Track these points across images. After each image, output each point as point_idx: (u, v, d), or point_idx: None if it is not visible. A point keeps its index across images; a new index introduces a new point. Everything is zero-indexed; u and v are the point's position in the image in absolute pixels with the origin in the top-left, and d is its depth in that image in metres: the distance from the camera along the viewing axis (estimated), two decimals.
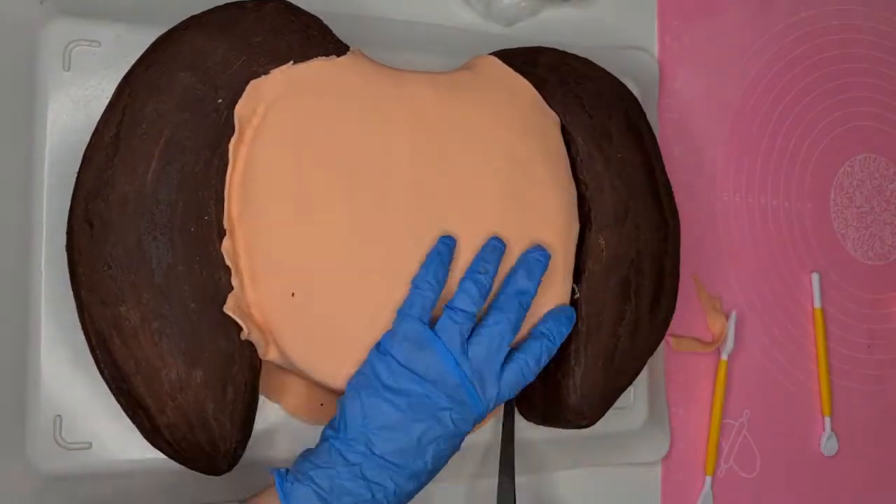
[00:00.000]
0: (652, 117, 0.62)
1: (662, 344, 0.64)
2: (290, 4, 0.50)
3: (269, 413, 0.53)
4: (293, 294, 0.47)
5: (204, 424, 0.46)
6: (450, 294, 0.48)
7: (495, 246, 0.50)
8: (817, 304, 0.72)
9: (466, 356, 0.46)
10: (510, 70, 0.55)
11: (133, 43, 0.49)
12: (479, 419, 0.47)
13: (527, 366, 0.48)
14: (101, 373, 0.46)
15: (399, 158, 0.50)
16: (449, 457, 0.47)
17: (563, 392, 0.54)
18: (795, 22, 0.74)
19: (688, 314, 0.67)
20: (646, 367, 0.59)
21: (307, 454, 0.46)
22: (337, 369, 0.48)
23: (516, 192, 0.53)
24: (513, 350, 0.49)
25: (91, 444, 0.50)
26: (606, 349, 0.54)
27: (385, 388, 0.45)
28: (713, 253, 0.69)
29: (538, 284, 0.50)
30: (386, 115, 0.51)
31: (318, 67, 0.50)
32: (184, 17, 0.49)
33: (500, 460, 0.56)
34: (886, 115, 0.77)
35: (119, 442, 0.50)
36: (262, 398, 0.52)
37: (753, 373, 0.69)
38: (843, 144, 0.75)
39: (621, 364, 0.55)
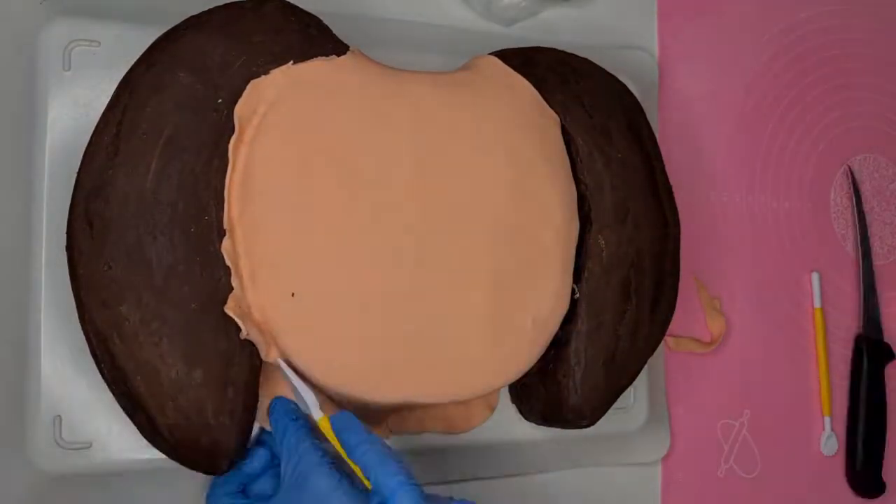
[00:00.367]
0: (652, 117, 0.62)
1: (662, 344, 0.64)
2: (290, 4, 0.50)
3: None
4: (293, 294, 0.47)
5: (204, 424, 0.46)
6: None
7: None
8: (817, 304, 0.72)
9: None
10: (510, 70, 0.55)
11: (133, 43, 0.49)
12: None
13: None
14: (101, 373, 0.46)
15: (399, 158, 0.50)
16: None
17: (564, 392, 0.54)
18: (795, 22, 0.74)
19: (687, 314, 0.67)
20: (646, 367, 0.59)
21: None
22: (336, 370, 0.48)
23: (516, 191, 0.53)
24: None
25: (91, 444, 0.50)
26: (607, 349, 0.54)
27: None
28: (713, 253, 0.69)
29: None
30: (386, 115, 0.51)
31: (318, 67, 0.50)
32: (184, 17, 0.49)
33: None
34: (886, 115, 0.77)
35: (119, 442, 0.50)
36: (262, 398, 0.52)
37: (753, 373, 0.69)
38: (843, 144, 0.75)
39: (621, 364, 0.55)
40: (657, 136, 0.60)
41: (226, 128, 0.48)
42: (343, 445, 0.44)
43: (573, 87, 0.56)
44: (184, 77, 0.47)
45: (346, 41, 0.51)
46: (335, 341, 0.48)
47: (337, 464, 0.44)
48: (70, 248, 0.46)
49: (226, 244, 0.47)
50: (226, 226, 0.47)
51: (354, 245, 0.49)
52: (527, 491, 0.60)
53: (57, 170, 0.50)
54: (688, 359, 0.67)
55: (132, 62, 0.48)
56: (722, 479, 0.68)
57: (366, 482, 0.43)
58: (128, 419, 0.47)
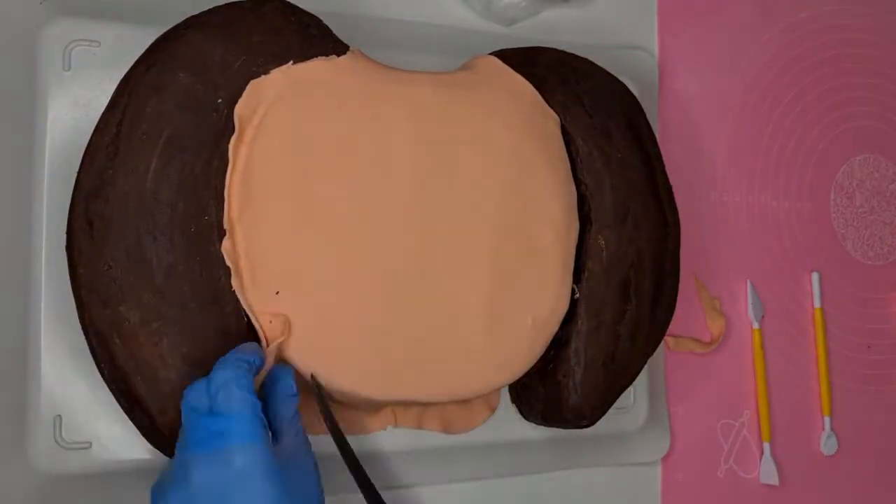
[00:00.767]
0: (652, 117, 0.62)
1: (662, 344, 0.64)
2: (290, 4, 0.50)
3: None
4: (277, 293, 0.47)
5: None
6: None
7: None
8: (817, 304, 0.72)
9: None
10: (510, 70, 0.55)
11: (133, 43, 0.49)
12: None
13: None
14: (101, 373, 0.46)
15: (399, 158, 0.50)
16: None
17: (564, 392, 0.54)
18: (795, 22, 0.74)
19: (687, 314, 0.67)
20: (646, 367, 0.59)
21: None
22: (336, 369, 0.48)
23: (516, 191, 0.53)
24: None
25: (91, 444, 0.50)
26: (607, 349, 0.54)
27: None
28: (713, 253, 0.69)
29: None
30: (386, 115, 0.51)
31: (318, 67, 0.50)
32: (184, 17, 0.49)
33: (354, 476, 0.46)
34: (886, 115, 0.77)
35: (119, 442, 0.50)
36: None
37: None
38: (843, 144, 0.75)
39: (621, 364, 0.55)
40: (657, 136, 0.60)
41: (226, 128, 0.48)
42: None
43: (573, 87, 0.56)
44: (184, 77, 0.47)
45: (346, 41, 0.51)
46: (335, 340, 0.48)
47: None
48: (70, 248, 0.46)
49: (226, 244, 0.47)
50: (226, 226, 0.47)
51: (354, 245, 0.49)
52: (527, 491, 0.60)
53: (57, 170, 0.50)
54: (688, 359, 0.67)
55: (132, 62, 0.48)
56: (722, 479, 0.68)
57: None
58: (128, 419, 0.47)
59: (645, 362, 0.57)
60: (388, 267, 0.49)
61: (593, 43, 0.65)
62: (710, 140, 0.70)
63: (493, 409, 0.58)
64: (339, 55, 0.50)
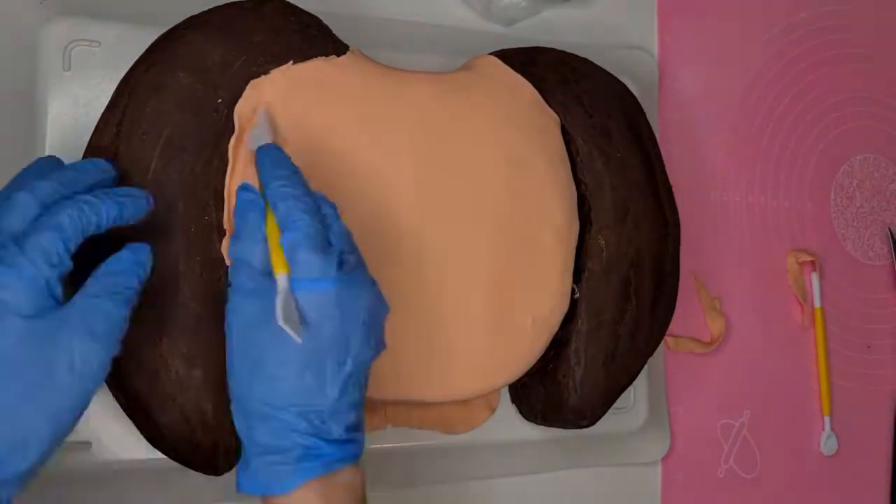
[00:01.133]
0: (652, 117, 0.62)
1: (662, 344, 0.64)
2: (290, 4, 0.50)
3: None
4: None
5: (203, 424, 0.46)
6: None
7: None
8: (817, 304, 0.72)
9: None
10: (510, 70, 0.55)
11: (133, 43, 0.49)
12: None
13: None
14: None
15: (399, 158, 0.50)
16: None
17: (564, 392, 0.54)
18: (795, 22, 0.74)
19: (687, 314, 0.67)
20: (646, 367, 0.59)
21: None
22: None
23: (516, 191, 0.53)
24: None
25: (91, 444, 0.50)
26: (607, 349, 0.54)
27: None
28: (713, 253, 0.69)
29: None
30: (386, 114, 0.51)
31: (318, 67, 0.50)
32: (184, 17, 0.49)
33: None
34: (886, 115, 0.77)
35: (119, 442, 0.50)
36: None
37: (753, 372, 0.69)
38: (843, 144, 0.75)
39: (621, 364, 0.55)
40: (657, 136, 0.60)
41: (226, 128, 0.48)
42: (260, 178, 0.42)
43: (573, 87, 0.56)
44: (184, 77, 0.47)
45: (346, 41, 0.51)
46: None
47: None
48: None
49: (226, 244, 0.47)
50: (226, 226, 0.47)
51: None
52: (527, 491, 0.60)
53: None
54: (688, 359, 0.67)
55: (132, 62, 0.48)
56: (722, 479, 0.68)
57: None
58: (128, 419, 0.47)
59: (645, 362, 0.57)
60: (388, 266, 0.49)
61: (593, 43, 0.65)
62: (710, 140, 0.70)
63: (493, 409, 0.58)
64: (338, 55, 0.50)
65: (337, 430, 0.39)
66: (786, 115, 0.73)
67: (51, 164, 0.41)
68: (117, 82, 0.47)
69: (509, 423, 0.59)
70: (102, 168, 0.42)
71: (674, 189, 0.59)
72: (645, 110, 0.59)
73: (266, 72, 0.49)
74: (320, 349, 0.38)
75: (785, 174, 0.73)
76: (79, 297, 0.37)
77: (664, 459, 0.65)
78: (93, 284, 0.38)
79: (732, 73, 0.71)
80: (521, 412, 0.58)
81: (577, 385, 0.54)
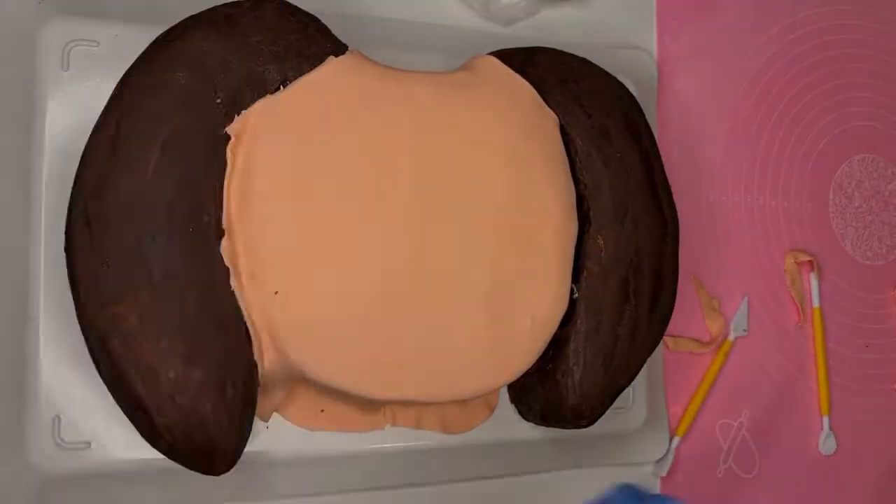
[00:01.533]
0: (651, 117, 0.62)
1: (661, 344, 0.64)
2: (289, 4, 0.50)
3: None
4: (276, 293, 0.47)
5: (203, 424, 0.46)
6: None
7: None
8: (816, 304, 0.72)
9: None
10: (509, 70, 0.55)
11: (132, 42, 0.49)
12: None
13: None
14: (100, 373, 0.46)
15: (398, 158, 0.50)
16: None
17: (563, 392, 0.54)
18: (795, 22, 0.74)
19: (686, 314, 0.67)
20: (645, 366, 0.59)
21: None
22: (335, 370, 0.48)
23: (515, 191, 0.53)
24: None
25: (91, 444, 0.50)
26: (606, 349, 0.54)
27: None
28: (712, 253, 0.69)
29: None
30: (385, 115, 0.51)
31: (317, 67, 0.50)
32: (182, 17, 0.49)
33: None
34: (886, 115, 0.77)
35: (119, 442, 0.50)
36: (261, 399, 0.52)
37: (752, 373, 0.69)
38: (843, 144, 0.75)
39: (621, 364, 0.55)
40: (656, 136, 0.60)
41: (225, 127, 0.48)
42: None
43: (572, 87, 0.56)
44: (182, 77, 0.47)
45: (345, 41, 0.51)
46: (334, 340, 0.48)
47: None
48: (69, 248, 0.46)
49: (225, 244, 0.47)
50: (225, 226, 0.47)
51: (353, 245, 0.49)
52: (527, 491, 0.60)
53: (56, 170, 0.50)
54: (687, 359, 0.67)
55: (131, 62, 0.48)
56: (721, 479, 0.68)
57: None
58: (127, 419, 0.47)
59: (644, 362, 0.57)
60: (387, 266, 0.49)
61: (592, 43, 0.65)
62: (710, 140, 0.70)
63: (492, 409, 0.58)
64: (337, 55, 0.50)
65: None
66: (785, 116, 0.73)
67: None
68: (116, 82, 0.47)
69: (508, 423, 0.59)
70: None
71: (673, 189, 0.59)
72: (644, 110, 0.59)
73: (266, 71, 0.48)
74: None
75: (784, 174, 0.73)
76: None
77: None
78: None
79: (732, 73, 0.71)
80: (519, 412, 0.58)
81: (575, 385, 0.54)
